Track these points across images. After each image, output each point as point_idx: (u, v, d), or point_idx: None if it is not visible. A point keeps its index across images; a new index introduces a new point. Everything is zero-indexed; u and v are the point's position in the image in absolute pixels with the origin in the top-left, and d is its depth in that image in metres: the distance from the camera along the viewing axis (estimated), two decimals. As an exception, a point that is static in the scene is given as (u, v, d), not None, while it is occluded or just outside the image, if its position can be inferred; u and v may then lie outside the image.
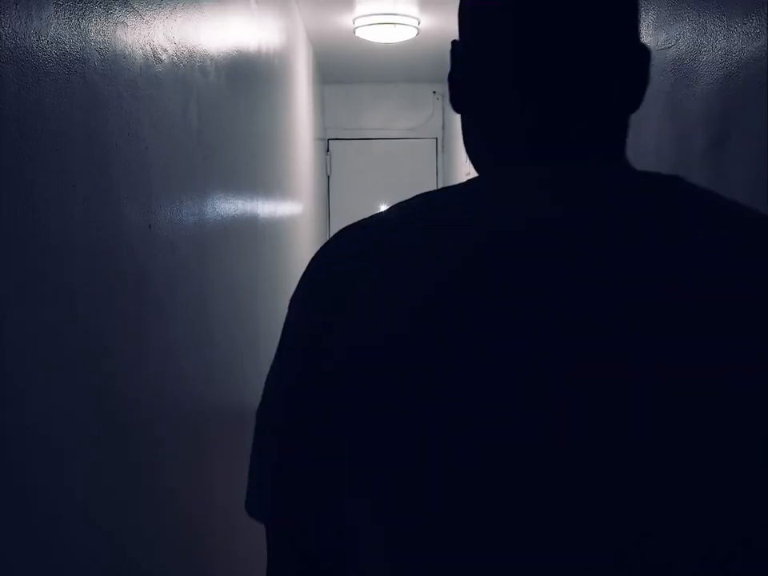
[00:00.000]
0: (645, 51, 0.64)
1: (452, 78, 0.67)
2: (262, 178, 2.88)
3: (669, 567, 0.49)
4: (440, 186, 6.13)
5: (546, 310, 0.52)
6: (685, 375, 0.49)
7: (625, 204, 0.56)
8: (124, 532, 1.29)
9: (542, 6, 0.58)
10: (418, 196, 0.63)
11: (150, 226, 1.43)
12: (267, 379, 0.66)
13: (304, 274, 0.64)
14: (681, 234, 0.54)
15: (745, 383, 0.49)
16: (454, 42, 0.67)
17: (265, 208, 2.92)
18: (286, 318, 0.65)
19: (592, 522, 0.50)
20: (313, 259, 0.64)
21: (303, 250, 4.42)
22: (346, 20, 4.43)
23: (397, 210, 0.63)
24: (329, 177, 6.27)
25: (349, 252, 0.61)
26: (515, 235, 0.54)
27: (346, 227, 0.64)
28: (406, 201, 0.62)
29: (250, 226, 2.58)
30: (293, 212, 3.96)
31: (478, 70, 0.63)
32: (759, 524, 0.50)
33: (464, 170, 4.67)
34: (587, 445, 0.50)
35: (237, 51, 2.36)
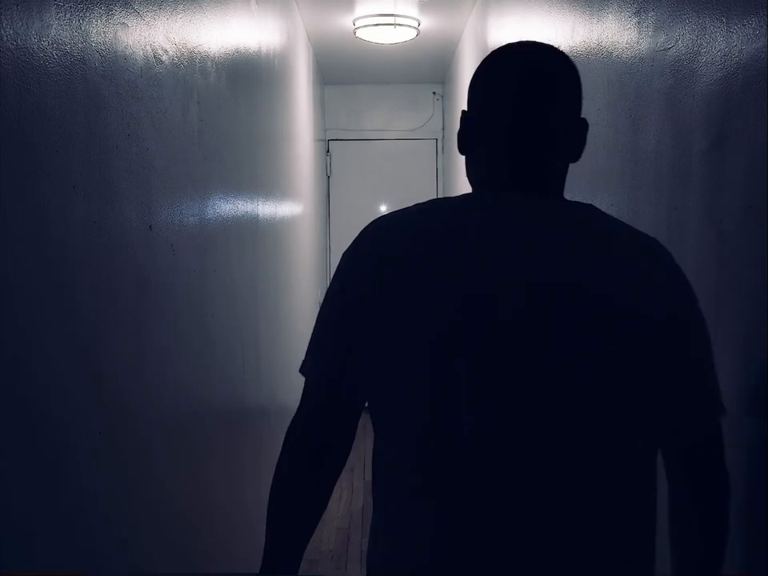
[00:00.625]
0: (584, 123, 1.03)
1: (460, 134, 1.06)
2: (262, 178, 2.88)
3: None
4: (440, 186, 6.15)
5: (497, 260, 0.94)
6: (576, 296, 0.91)
7: (548, 218, 0.97)
8: (123, 530, 1.29)
9: (520, 98, 0.99)
10: (429, 200, 1.03)
11: (150, 226, 1.43)
12: (325, 295, 1.03)
13: (355, 241, 1.02)
14: (575, 232, 0.97)
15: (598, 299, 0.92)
16: (463, 111, 1.05)
17: (265, 208, 2.92)
18: (339, 265, 1.02)
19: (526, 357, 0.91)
20: (362, 231, 1.02)
21: (303, 250, 4.42)
22: (346, 21, 4.43)
23: (415, 207, 1.02)
24: (329, 177, 6.26)
25: (386, 228, 1.00)
26: (486, 228, 0.96)
27: (381, 216, 1.03)
28: (421, 203, 1.02)
29: (250, 226, 2.58)
30: (293, 212, 3.96)
31: (480, 133, 1.04)
32: (604, 380, 0.91)
33: (464, 171, 4.67)
34: (521, 321, 0.92)
35: (237, 52, 2.36)
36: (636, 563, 0.94)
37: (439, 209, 1.02)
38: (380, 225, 1.01)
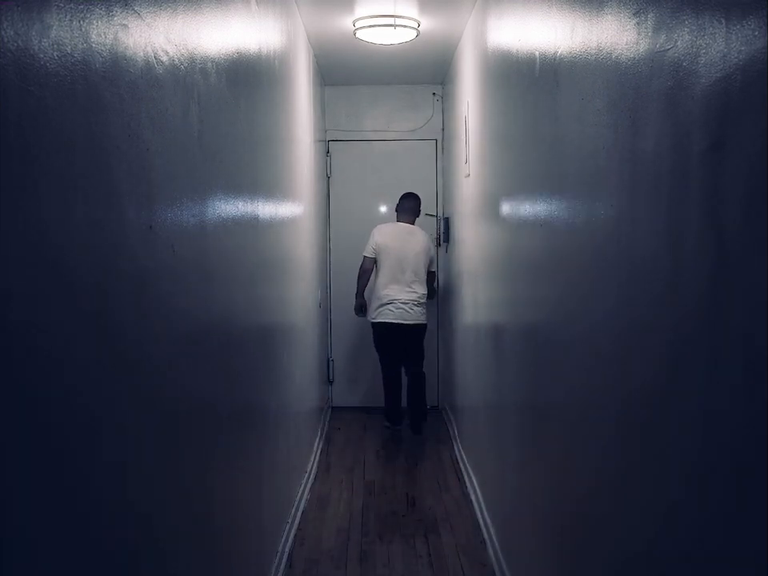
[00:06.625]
0: (420, 210, 5.80)
1: (396, 209, 5.83)
2: (262, 179, 2.89)
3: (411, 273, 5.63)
4: (439, 185, 6.20)
5: (399, 251, 5.58)
6: (408, 256, 5.63)
7: (409, 231, 5.64)
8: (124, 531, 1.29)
9: (403, 201, 5.79)
10: (390, 223, 5.85)
11: (150, 226, 1.43)
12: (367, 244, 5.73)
13: (372, 232, 5.64)
14: (412, 236, 5.64)
15: (418, 257, 5.62)
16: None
17: (265, 209, 2.93)
18: (369, 240, 5.65)
19: (404, 268, 5.60)
20: (374, 229, 5.68)
21: (303, 250, 4.42)
22: (346, 22, 4.44)
23: (387, 223, 5.80)
24: (329, 178, 6.26)
25: (380, 231, 5.64)
26: (394, 232, 5.65)
27: (380, 224, 5.76)
28: (390, 222, 5.88)
29: (251, 227, 2.58)
30: (293, 213, 3.96)
31: (398, 208, 5.78)
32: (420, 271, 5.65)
33: (464, 172, 4.68)
34: (402, 259, 5.57)
35: (237, 53, 2.36)
36: (424, 302, 5.59)
37: (390, 224, 5.69)
38: (378, 228, 5.64)
